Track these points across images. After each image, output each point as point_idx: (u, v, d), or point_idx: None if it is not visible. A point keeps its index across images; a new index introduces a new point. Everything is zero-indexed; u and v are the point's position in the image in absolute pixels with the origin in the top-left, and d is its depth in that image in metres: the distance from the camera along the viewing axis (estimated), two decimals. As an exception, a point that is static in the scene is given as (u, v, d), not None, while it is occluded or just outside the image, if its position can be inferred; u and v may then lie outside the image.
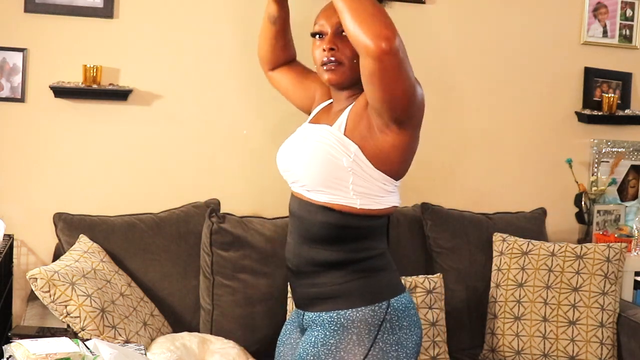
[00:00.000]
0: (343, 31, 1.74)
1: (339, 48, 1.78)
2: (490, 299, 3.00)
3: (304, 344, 1.79)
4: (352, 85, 1.82)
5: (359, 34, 1.57)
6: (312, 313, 1.80)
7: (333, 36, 1.79)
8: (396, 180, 1.78)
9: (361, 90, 1.75)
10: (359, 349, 1.70)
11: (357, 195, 1.73)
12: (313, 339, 1.76)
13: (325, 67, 1.80)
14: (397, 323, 1.74)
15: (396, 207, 1.81)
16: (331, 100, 1.94)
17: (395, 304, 1.75)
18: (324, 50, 1.79)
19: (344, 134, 1.74)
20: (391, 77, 1.59)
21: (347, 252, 1.76)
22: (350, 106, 1.80)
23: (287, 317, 2.70)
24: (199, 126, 3.09)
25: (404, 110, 1.67)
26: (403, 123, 1.70)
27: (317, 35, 1.83)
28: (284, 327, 2.02)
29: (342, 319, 1.74)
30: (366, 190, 1.74)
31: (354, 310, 1.73)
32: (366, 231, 1.77)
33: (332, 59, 1.78)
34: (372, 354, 1.70)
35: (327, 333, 1.74)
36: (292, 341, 1.94)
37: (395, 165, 1.75)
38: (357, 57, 1.69)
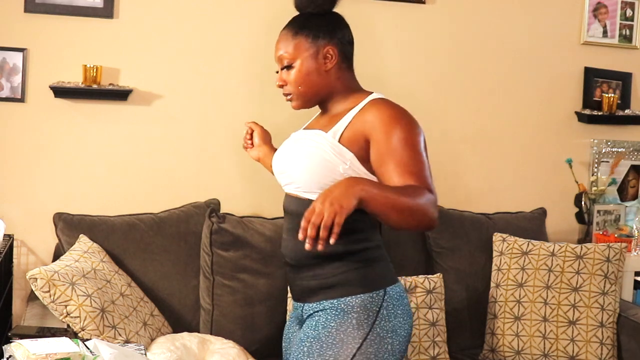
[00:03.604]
0: (282, 67, 1.94)
1: (284, 81, 1.95)
2: (490, 299, 3.00)
3: (304, 329, 1.86)
4: (324, 99, 1.94)
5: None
6: (313, 303, 1.87)
7: (280, 73, 1.96)
8: None
9: (342, 96, 1.90)
10: (358, 332, 1.77)
11: None
12: (314, 323, 1.83)
13: (287, 99, 1.97)
14: (392, 311, 1.81)
15: None
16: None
17: (391, 292, 1.82)
18: (278, 87, 1.98)
19: (339, 142, 1.81)
20: None
21: (345, 244, 1.79)
22: (348, 115, 1.84)
23: (287, 317, 2.70)
24: (199, 126, 3.10)
25: None
26: None
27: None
28: (286, 324, 2.07)
29: (342, 305, 1.80)
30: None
31: (353, 297, 1.80)
32: (362, 224, 1.82)
33: (284, 92, 1.96)
34: (369, 338, 1.77)
35: (329, 317, 1.81)
36: (291, 335, 1.99)
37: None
38: (301, 84, 1.89)
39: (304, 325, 1.88)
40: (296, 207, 1.87)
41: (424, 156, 1.78)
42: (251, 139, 2.35)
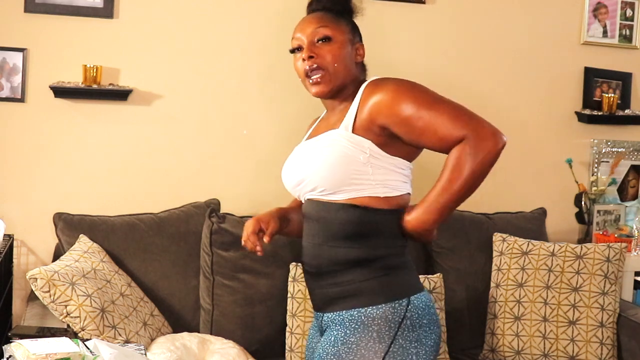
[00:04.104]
0: (319, 40, 1.82)
1: (318, 55, 1.82)
2: (490, 299, 3.00)
3: (323, 344, 1.79)
4: (341, 90, 1.85)
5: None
6: (332, 313, 1.80)
7: (310, 45, 1.83)
8: (410, 162, 1.82)
9: (351, 92, 1.83)
10: (380, 345, 1.70)
11: (379, 184, 1.75)
12: (333, 338, 1.76)
13: (310, 80, 1.83)
14: (417, 321, 1.73)
15: (409, 194, 1.83)
16: (322, 115, 1.98)
17: (415, 302, 1.75)
18: (304, 60, 1.83)
19: (353, 132, 1.76)
20: None
21: (367, 249, 1.76)
22: (353, 106, 1.80)
23: (287, 317, 2.70)
24: (199, 126, 3.10)
25: None
26: None
27: (296, 50, 1.88)
28: (309, 333, 1.99)
29: (362, 317, 1.73)
30: (387, 177, 1.76)
31: (374, 307, 1.73)
32: (384, 227, 1.77)
33: (315, 66, 1.82)
34: (392, 350, 1.70)
35: (348, 331, 1.74)
36: (314, 345, 1.92)
37: (407, 148, 1.78)
38: (338, 62, 1.80)
39: (322, 339, 1.81)
40: (317, 212, 1.81)
41: (442, 102, 1.74)
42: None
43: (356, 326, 1.73)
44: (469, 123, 1.71)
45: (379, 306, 1.73)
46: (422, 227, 1.75)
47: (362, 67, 1.91)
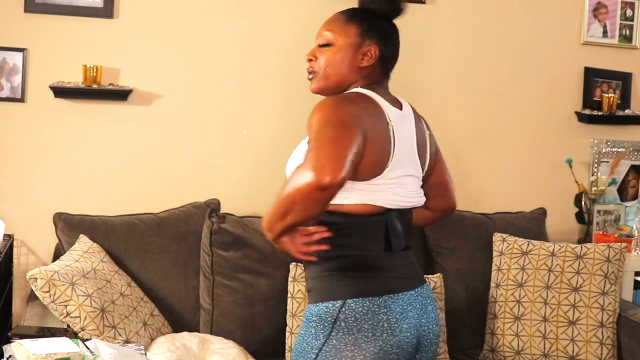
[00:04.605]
0: (320, 44, 1.90)
1: (316, 58, 1.90)
2: (490, 299, 3.00)
3: None
4: (335, 92, 1.88)
5: None
6: None
7: (315, 47, 1.92)
8: (359, 181, 1.77)
9: None
10: (315, 342, 1.77)
11: None
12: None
13: (308, 77, 1.94)
14: (354, 324, 1.75)
15: (371, 205, 1.78)
16: None
17: (352, 305, 1.76)
18: (307, 60, 1.93)
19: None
20: None
21: (328, 249, 1.79)
22: None
23: (287, 318, 2.70)
24: (199, 126, 3.10)
25: None
26: None
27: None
28: None
29: (307, 312, 1.82)
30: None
31: (313, 305, 1.80)
32: (343, 229, 1.79)
33: (310, 68, 1.92)
34: (325, 349, 1.75)
35: (302, 324, 1.84)
36: None
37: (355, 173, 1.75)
38: (330, 66, 1.87)
39: None
40: None
41: (326, 144, 1.66)
42: None
43: (305, 320, 1.82)
44: (318, 161, 1.63)
45: (316, 304, 1.79)
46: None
47: (371, 70, 1.88)
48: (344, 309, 1.76)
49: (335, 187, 1.61)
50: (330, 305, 1.77)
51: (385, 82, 1.93)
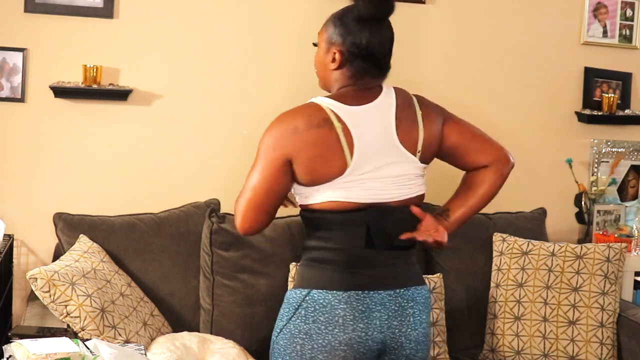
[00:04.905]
0: (315, 44, 1.98)
1: None
2: (490, 299, 3.00)
3: None
4: (328, 90, 1.98)
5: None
6: None
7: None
8: (318, 185, 1.84)
9: None
10: (280, 323, 1.88)
11: (296, 193, 1.92)
12: None
13: None
14: (312, 314, 1.81)
15: (340, 202, 1.84)
16: None
17: (315, 296, 1.82)
18: None
19: None
20: None
21: (305, 240, 1.94)
22: None
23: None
24: (199, 126, 3.10)
25: None
26: None
27: None
28: None
29: (285, 295, 1.93)
30: (297, 191, 1.91)
31: (289, 290, 1.92)
32: (313, 223, 1.89)
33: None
34: (284, 331, 1.86)
35: None
36: None
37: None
38: (316, 67, 1.96)
39: None
40: None
41: (248, 185, 1.90)
42: None
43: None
44: (239, 207, 1.93)
45: (290, 289, 1.91)
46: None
47: (341, 74, 1.90)
48: (307, 297, 1.82)
49: (251, 234, 1.96)
50: (298, 292, 1.85)
51: (361, 83, 1.91)
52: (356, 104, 1.86)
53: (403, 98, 1.93)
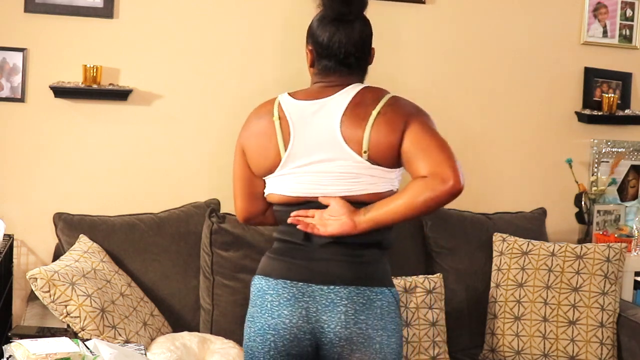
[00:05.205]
0: None
1: None
2: (490, 299, 3.00)
3: None
4: None
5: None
6: None
7: None
8: (259, 176, 1.99)
9: None
10: (248, 308, 1.99)
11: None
12: None
13: None
14: (253, 299, 1.95)
15: (277, 195, 1.95)
16: None
17: (256, 281, 1.95)
18: None
19: None
20: None
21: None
22: None
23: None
24: (199, 126, 3.10)
25: None
26: None
27: None
28: None
29: None
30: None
31: None
32: (277, 217, 2.01)
33: None
34: (248, 314, 1.96)
35: None
36: None
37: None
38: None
39: None
40: None
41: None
42: None
43: None
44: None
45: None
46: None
47: (313, 73, 2.00)
48: (252, 283, 1.96)
49: (251, 222, 2.11)
50: (253, 279, 1.97)
51: (328, 80, 1.93)
52: (308, 99, 1.91)
53: (365, 97, 1.88)
